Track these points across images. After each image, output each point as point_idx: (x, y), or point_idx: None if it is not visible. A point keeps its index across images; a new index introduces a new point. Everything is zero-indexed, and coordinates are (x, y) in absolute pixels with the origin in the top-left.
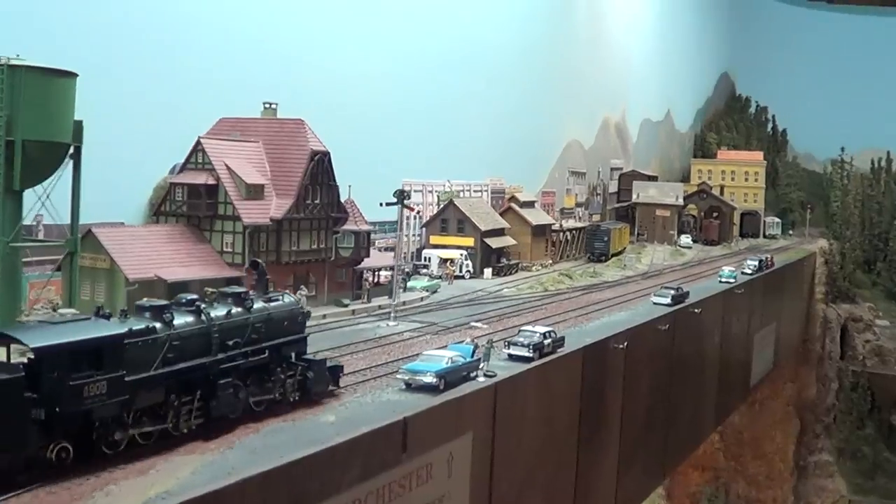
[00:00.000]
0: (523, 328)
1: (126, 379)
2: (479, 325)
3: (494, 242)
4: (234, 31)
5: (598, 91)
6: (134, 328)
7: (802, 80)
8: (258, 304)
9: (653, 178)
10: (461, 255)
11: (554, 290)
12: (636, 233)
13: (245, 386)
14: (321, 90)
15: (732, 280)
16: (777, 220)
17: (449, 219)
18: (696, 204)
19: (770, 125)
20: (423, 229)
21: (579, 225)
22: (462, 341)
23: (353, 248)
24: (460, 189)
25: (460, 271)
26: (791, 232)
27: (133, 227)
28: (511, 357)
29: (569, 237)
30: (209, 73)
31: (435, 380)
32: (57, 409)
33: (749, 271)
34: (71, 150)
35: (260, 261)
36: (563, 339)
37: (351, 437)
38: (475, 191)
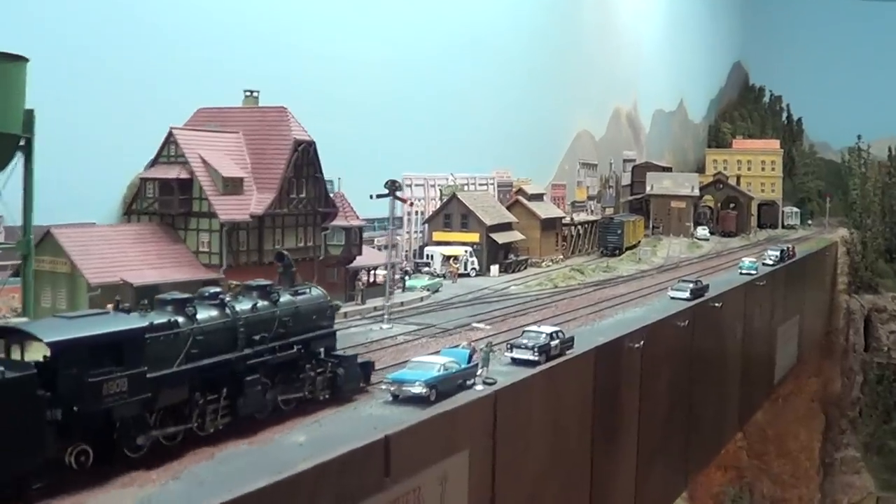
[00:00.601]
0: (528, 329)
1: (148, 376)
2: (480, 325)
3: (501, 238)
4: (222, 14)
5: (608, 80)
6: (155, 322)
7: (817, 68)
8: (285, 297)
9: (667, 170)
10: (465, 251)
11: (564, 286)
12: (651, 225)
13: (273, 384)
14: (316, 78)
15: (754, 271)
16: (795, 209)
17: (452, 214)
18: (712, 195)
19: (785, 114)
20: (426, 225)
21: (591, 218)
22: (458, 345)
23: (344, 245)
24: (465, 183)
25: (465, 269)
26: (810, 222)
27: (99, 227)
28: (514, 361)
29: (581, 231)
30: (198, 62)
31: (424, 390)
32: (75, 409)
33: (770, 262)
34: (21, 143)
35: (286, 252)
36: (572, 339)
37: (319, 463)
38: (481, 184)
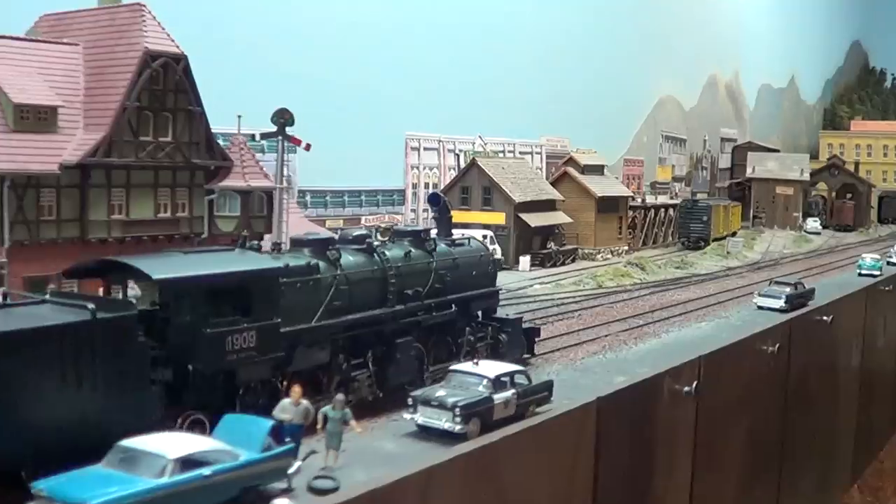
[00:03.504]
0: (456, 369)
1: (282, 330)
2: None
3: (536, 220)
4: None
5: (702, 41)
6: (292, 264)
7: None
8: (442, 247)
9: (773, 152)
10: (484, 236)
11: (613, 286)
12: (751, 214)
13: (426, 349)
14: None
15: (877, 272)
16: None
17: (471, 186)
18: (825, 182)
19: None
20: None
21: (670, 201)
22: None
23: (240, 216)
24: (500, 150)
25: None
26: None
27: None
28: (422, 430)
29: (657, 217)
30: None
31: None
32: (189, 368)
33: None
34: None
35: (441, 194)
36: (548, 386)
37: None
38: (522, 152)
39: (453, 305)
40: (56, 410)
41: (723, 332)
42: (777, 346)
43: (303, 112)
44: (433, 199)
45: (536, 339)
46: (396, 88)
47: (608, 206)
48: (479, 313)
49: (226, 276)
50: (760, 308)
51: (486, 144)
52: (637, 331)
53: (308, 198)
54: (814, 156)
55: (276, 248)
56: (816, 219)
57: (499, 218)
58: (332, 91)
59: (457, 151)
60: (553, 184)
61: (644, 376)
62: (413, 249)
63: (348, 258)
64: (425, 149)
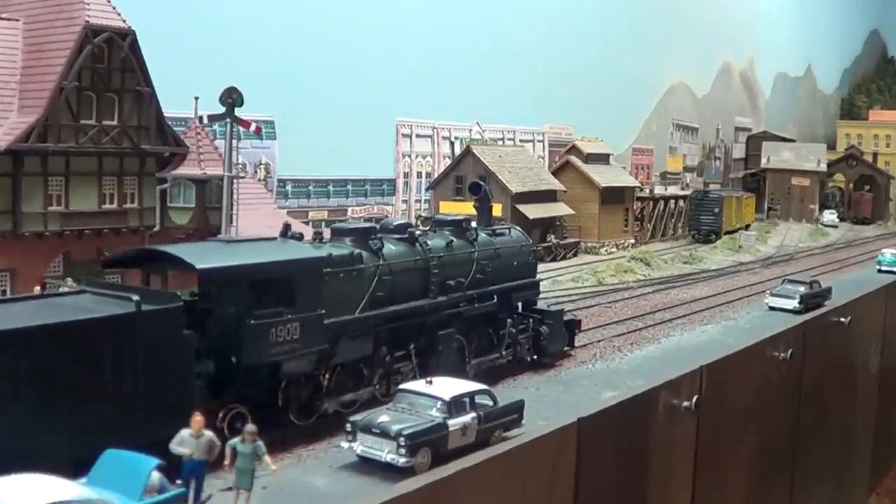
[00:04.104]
0: (406, 388)
1: (326, 321)
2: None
3: (535, 211)
4: None
5: (716, 26)
6: (335, 254)
7: None
8: (483, 237)
9: (789, 143)
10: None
11: (614, 283)
12: (766, 206)
13: (467, 341)
14: None
15: None
16: None
17: (465, 176)
18: (843, 173)
19: None
20: (431, 192)
21: (680, 192)
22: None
23: (195, 208)
24: (499, 137)
25: None
26: None
27: None
28: (363, 458)
29: (666, 208)
30: None
31: None
32: (232, 360)
33: None
34: None
35: (483, 183)
36: (517, 408)
37: None
38: (523, 140)
39: (495, 296)
40: (98, 406)
41: (729, 337)
42: (790, 351)
43: (280, 95)
44: (474, 188)
45: (577, 331)
46: (387, 71)
47: (613, 196)
48: (520, 305)
49: (269, 266)
50: (772, 309)
51: (484, 131)
52: (634, 335)
53: (289, 187)
54: (831, 146)
55: (318, 237)
56: (833, 211)
57: (495, 209)
58: (315, 72)
59: (452, 139)
60: (554, 173)
61: (637, 390)
62: (455, 239)
63: (391, 248)
64: (418, 136)
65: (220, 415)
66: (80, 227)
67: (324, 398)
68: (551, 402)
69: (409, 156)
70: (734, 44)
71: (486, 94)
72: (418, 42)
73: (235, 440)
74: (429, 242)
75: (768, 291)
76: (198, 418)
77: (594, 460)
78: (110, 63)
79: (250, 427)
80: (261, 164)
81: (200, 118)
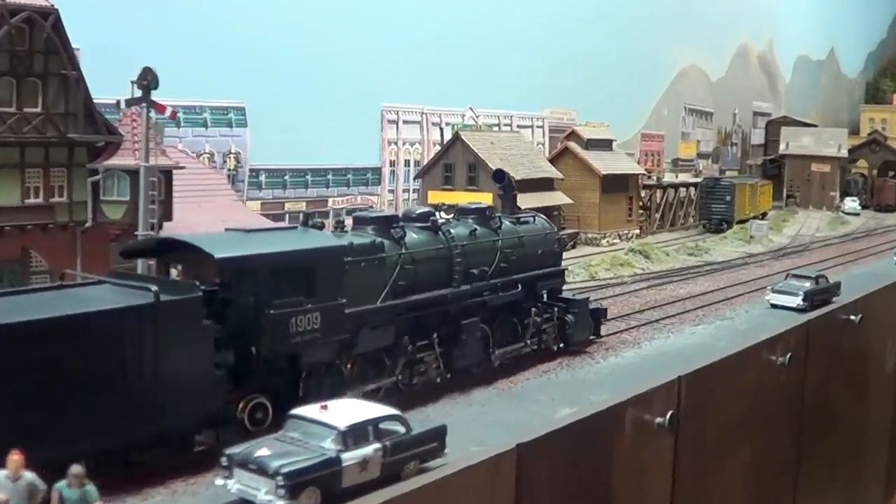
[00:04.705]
0: (298, 414)
1: (347, 311)
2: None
3: (528, 200)
4: None
5: (730, 8)
6: (356, 243)
7: None
8: (507, 225)
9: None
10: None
11: (609, 277)
12: (785, 194)
13: (491, 330)
14: None
15: None
16: None
17: (455, 164)
18: (865, 159)
19: None
20: (419, 181)
21: (691, 179)
22: None
23: (128, 201)
24: (494, 123)
25: None
26: None
27: None
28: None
29: (675, 197)
30: None
31: None
32: (253, 350)
33: None
34: None
35: (506, 171)
36: (438, 434)
37: None
38: (521, 126)
39: (519, 285)
40: (117, 396)
41: (721, 341)
42: (788, 355)
43: (252, 80)
44: (498, 177)
45: (603, 320)
46: (372, 53)
47: (615, 184)
48: (545, 293)
49: (290, 256)
50: (774, 306)
51: (478, 117)
52: (612, 338)
53: (262, 178)
54: (855, 131)
55: (340, 225)
56: (855, 198)
57: (485, 198)
58: (292, 55)
59: (443, 125)
60: (553, 161)
61: (598, 406)
62: (478, 227)
63: (413, 236)
64: (405, 122)
65: (241, 405)
66: (0, 223)
67: (345, 388)
68: (492, 422)
69: (396, 143)
70: (752, 26)
71: (480, 77)
72: (406, 22)
73: (61, 483)
74: (452, 231)
75: (770, 287)
76: (15, 458)
77: (539, 494)
78: (32, 45)
79: (76, 469)
80: (230, 153)
81: (118, 102)
